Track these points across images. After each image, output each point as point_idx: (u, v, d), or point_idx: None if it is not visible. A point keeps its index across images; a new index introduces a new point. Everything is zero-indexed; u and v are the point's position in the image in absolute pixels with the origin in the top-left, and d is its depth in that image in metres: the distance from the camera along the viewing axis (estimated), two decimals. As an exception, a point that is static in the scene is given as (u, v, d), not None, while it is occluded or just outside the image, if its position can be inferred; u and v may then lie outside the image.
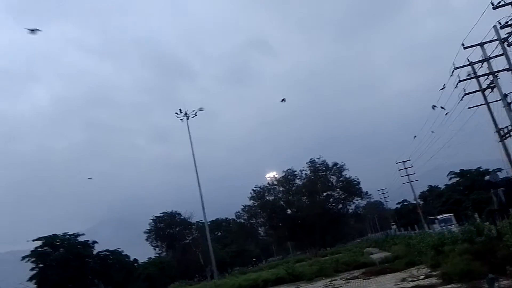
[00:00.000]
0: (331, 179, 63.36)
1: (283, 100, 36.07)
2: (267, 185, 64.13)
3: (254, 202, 64.25)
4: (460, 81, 24.91)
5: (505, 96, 22.17)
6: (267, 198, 64.18)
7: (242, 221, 67.84)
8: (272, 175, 63.51)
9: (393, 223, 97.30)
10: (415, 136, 42.06)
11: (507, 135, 23.23)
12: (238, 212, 66.63)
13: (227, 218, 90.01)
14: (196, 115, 42.55)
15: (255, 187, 64.43)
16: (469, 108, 25.81)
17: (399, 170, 59.53)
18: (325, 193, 63.17)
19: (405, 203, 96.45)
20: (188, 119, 41.95)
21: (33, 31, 25.20)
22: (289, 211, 63.81)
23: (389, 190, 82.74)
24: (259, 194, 63.95)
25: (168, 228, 71.25)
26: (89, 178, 61.70)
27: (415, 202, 68.67)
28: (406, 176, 59.13)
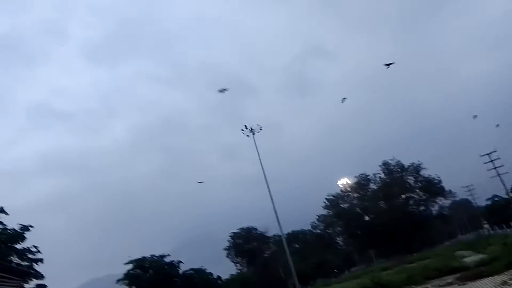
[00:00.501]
0: (409, 180, 60.22)
1: (344, 99, 35.64)
2: (341, 193, 62.75)
3: (329, 211, 63.11)
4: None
5: None
6: (342, 206, 62.72)
7: (319, 231, 66.84)
8: (344, 181, 62.17)
9: (485, 222, 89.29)
10: (497, 125, 38.72)
11: None
12: (314, 222, 65.87)
13: (303, 229, 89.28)
14: (261, 129, 43.53)
15: (328, 195, 63.36)
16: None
17: (485, 163, 54.93)
18: (403, 196, 60.14)
19: (496, 199, 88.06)
20: (254, 134, 43.04)
21: (223, 90, 29.65)
22: (366, 218, 61.65)
23: (476, 186, 76.43)
24: (333, 202, 62.74)
25: (246, 244, 72.45)
26: (200, 182, 63.69)
27: (507, 196, 62.57)
28: (494, 170, 54.31)
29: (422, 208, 61.08)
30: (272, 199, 40.79)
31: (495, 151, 53.67)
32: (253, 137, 42.95)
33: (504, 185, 55.95)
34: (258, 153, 42.46)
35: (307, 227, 73.66)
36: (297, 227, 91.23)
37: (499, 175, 54.32)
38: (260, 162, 42.15)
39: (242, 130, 43.33)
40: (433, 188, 58.62)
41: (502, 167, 54.21)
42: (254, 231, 72.81)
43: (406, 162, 60.35)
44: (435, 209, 64.24)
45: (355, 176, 62.62)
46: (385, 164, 61.04)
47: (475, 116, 43.38)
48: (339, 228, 64.51)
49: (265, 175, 41.68)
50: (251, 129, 43.19)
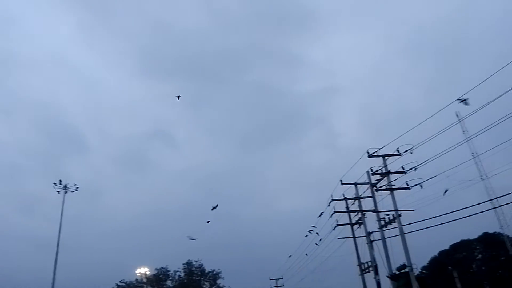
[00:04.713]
0: (204, 286, 60.64)
1: (214, 207, 36.67)
2: (134, 282, 58.59)
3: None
4: (334, 212, 27.63)
5: (368, 233, 25.00)
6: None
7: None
8: (143, 271, 58.34)
9: None
10: (290, 256, 43.29)
11: (366, 270, 25.61)
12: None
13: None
14: (77, 190, 39.27)
15: (120, 281, 58.39)
16: (339, 238, 28.23)
17: (271, 287, 59.72)
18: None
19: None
20: (66, 192, 38.45)
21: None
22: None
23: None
24: (123, 290, 57.76)
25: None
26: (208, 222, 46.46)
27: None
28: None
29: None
30: (55, 269, 35.25)
31: (282, 278, 59.19)
32: (64, 195, 38.23)
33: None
34: (62, 213, 37.51)
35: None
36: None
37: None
38: (60, 224, 37.12)
39: (55, 183, 38.44)
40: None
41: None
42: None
43: (208, 267, 61.31)
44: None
45: (156, 268, 60.04)
46: (189, 264, 60.84)
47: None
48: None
49: (59, 240, 36.50)
50: (65, 186, 38.69)
